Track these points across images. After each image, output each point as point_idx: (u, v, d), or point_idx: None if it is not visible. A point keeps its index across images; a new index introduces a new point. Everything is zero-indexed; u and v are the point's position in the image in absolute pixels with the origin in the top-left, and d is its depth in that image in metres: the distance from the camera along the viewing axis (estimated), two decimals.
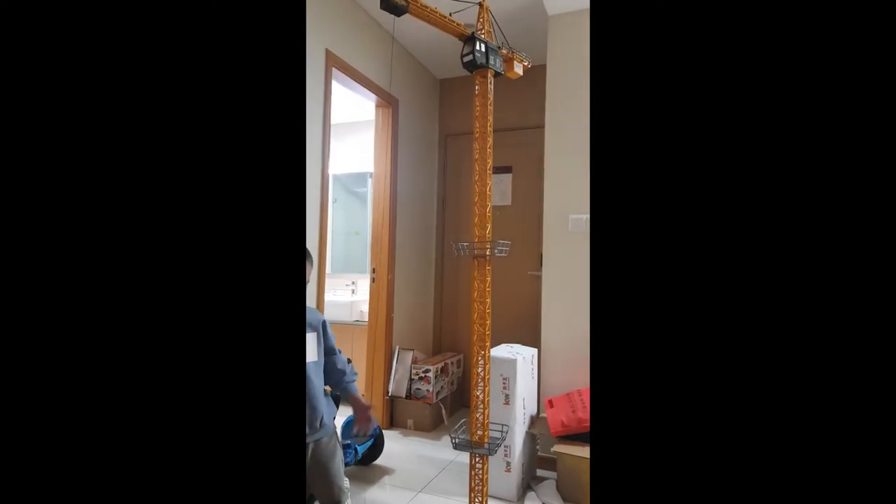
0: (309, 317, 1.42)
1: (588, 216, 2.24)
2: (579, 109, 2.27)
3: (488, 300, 1.42)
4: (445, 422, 2.84)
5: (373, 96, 2.67)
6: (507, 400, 1.99)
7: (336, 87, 2.40)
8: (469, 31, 1.40)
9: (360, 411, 1.55)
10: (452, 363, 3.01)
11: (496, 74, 1.47)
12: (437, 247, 3.35)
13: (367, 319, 2.88)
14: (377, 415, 2.55)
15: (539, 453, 2.23)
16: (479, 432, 1.42)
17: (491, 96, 1.44)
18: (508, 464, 1.98)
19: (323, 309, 2.25)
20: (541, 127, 2.41)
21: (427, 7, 1.32)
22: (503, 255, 1.43)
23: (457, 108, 3.33)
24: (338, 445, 1.48)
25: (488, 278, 1.43)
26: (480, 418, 1.42)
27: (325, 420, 1.44)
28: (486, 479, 1.45)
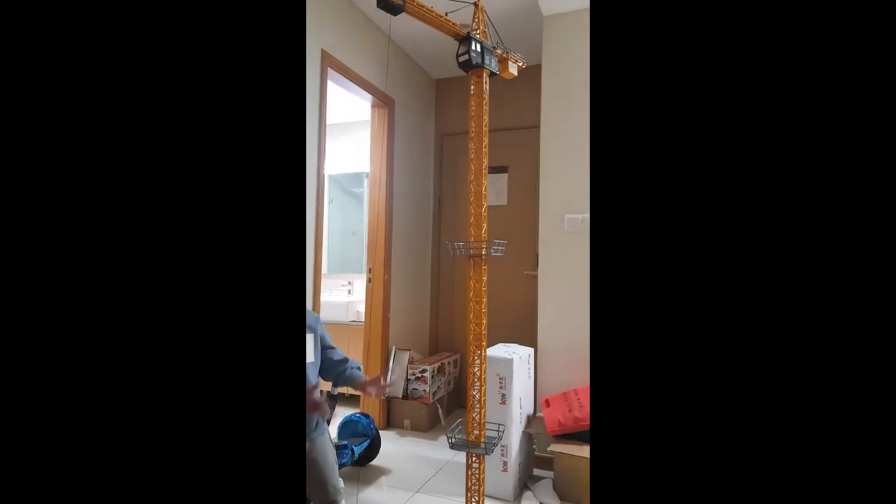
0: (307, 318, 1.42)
1: (583, 216, 2.25)
2: (574, 109, 2.28)
3: (484, 300, 1.42)
4: (442, 422, 2.84)
5: (369, 96, 2.66)
6: (504, 399, 1.99)
7: (332, 87, 2.40)
8: (465, 31, 1.41)
9: (371, 383, 1.51)
10: (449, 363, 3.01)
11: (491, 74, 1.47)
12: (433, 247, 3.34)
13: (363, 320, 2.87)
14: (374, 415, 2.54)
15: (536, 453, 2.23)
16: (475, 432, 1.42)
17: (486, 96, 1.45)
18: (505, 463, 1.98)
19: (319, 309, 2.25)
20: (537, 127, 2.41)
21: (423, 6, 1.32)
22: (499, 254, 1.43)
23: (453, 107, 3.33)
24: (332, 446, 1.48)
25: (484, 278, 1.43)
26: (477, 418, 1.42)
27: (319, 422, 1.44)
28: (483, 478, 1.45)
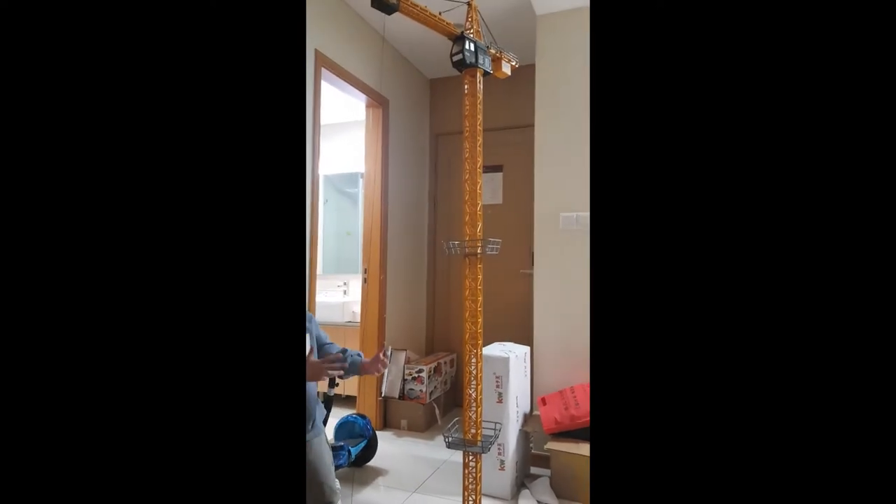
0: None
1: (578, 214, 2.25)
2: (568, 108, 2.28)
3: (480, 298, 1.42)
4: (439, 421, 2.84)
5: (363, 96, 2.66)
6: (501, 398, 1.99)
7: (326, 87, 2.39)
8: (458, 31, 1.41)
9: (372, 362, 1.49)
10: (445, 363, 3.01)
11: (485, 74, 1.47)
12: (428, 246, 3.34)
13: (359, 320, 2.87)
14: (371, 415, 2.54)
15: (533, 451, 2.23)
16: (472, 431, 1.42)
17: (480, 95, 1.45)
18: (502, 462, 1.98)
19: (315, 310, 2.24)
20: (531, 126, 2.42)
21: (417, 6, 1.32)
22: (494, 252, 1.43)
23: (447, 107, 3.33)
24: (328, 446, 1.48)
25: (480, 276, 1.43)
26: (473, 417, 1.42)
27: (316, 422, 1.44)
28: (480, 477, 1.45)
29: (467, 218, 1.43)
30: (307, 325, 1.46)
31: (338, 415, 2.40)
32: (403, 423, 2.75)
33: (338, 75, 2.36)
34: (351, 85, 2.49)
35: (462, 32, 1.41)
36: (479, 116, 1.44)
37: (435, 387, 2.85)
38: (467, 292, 1.43)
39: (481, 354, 1.44)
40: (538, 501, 1.93)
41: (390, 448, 2.48)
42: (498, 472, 1.98)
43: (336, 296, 3.63)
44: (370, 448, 2.26)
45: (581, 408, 1.99)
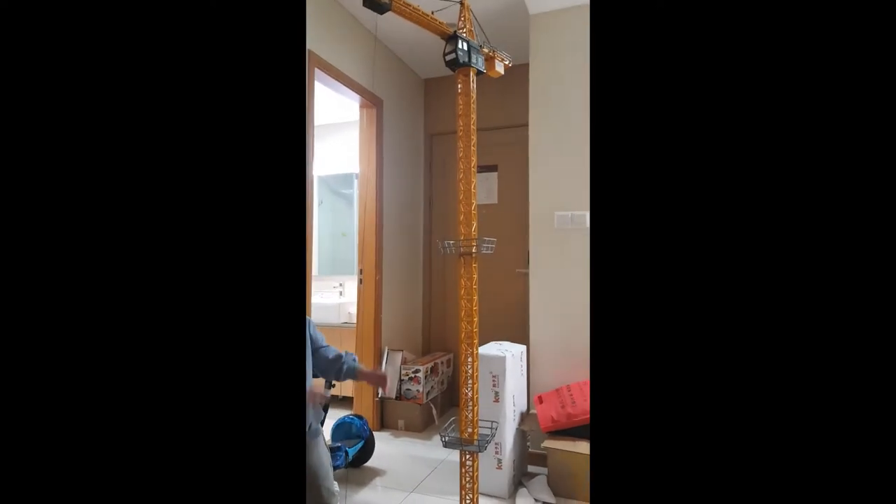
0: None
1: (573, 213, 2.26)
2: (562, 107, 2.29)
3: (475, 298, 1.43)
4: (436, 421, 2.84)
5: (357, 97, 2.66)
6: (497, 397, 1.99)
7: (319, 87, 2.39)
8: (451, 30, 1.41)
9: (372, 379, 1.51)
10: (442, 363, 3.01)
11: (478, 73, 1.47)
12: (424, 247, 3.34)
13: (355, 321, 2.86)
14: (367, 416, 2.54)
15: (530, 449, 2.24)
16: (468, 430, 1.42)
17: (474, 94, 1.45)
18: (499, 461, 1.98)
19: (310, 312, 2.24)
20: (526, 125, 2.42)
21: (409, 5, 1.32)
22: (489, 252, 1.44)
23: (442, 107, 3.33)
24: (326, 448, 1.47)
25: (475, 276, 1.43)
26: (470, 416, 1.42)
27: (313, 424, 1.43)
28: (477, 476, 1.45)
29: (462, 217, 1.43)
30: (308, 329, 1.46)
31: (335, 415, 2.40)
32: (400, 423, 2.75)
33: (331, 76, 2.35)
34: (344, 85, 2.48)
35: (455, 32, 1.41)
36: (473, 116, 1.44)
37: (432, 387, 2.85)
38: (462, 292, 1.43)
39: (477, 354, 1.44)
40: (535, 499, 1.93)
41: (387, 448, 2.47)
42: (495, 470, 1.98)
43: (332, 297, 3.62)
44: (367, 449, 2.26)
45: (578, 406, 1.99)
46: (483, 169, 3.11)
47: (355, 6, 2.43)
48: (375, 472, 2.21)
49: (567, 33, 2.29)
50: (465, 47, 1.41)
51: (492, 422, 1.59)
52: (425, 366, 2.78)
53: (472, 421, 1.42)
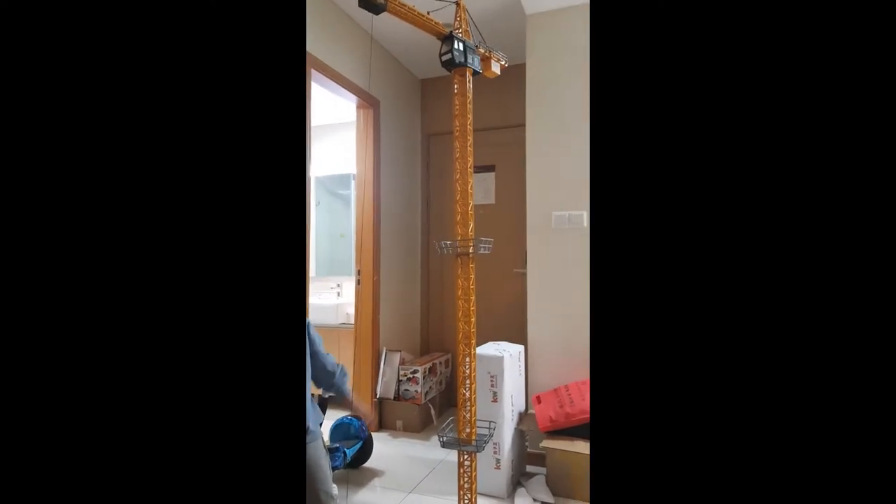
0: None
1: (570, 213, 2.26)
2: (559, 107, 2.29)
3: (473, 298, 1.43)
4: (434, 422, 2.84)
5: (353, 97, 2.65)
6: (495, 397, 1.99)
7: (315, 88, 2.38)
8: (447, 31, 1.41)
9: (354, 409, 1.53)
10: (440, 363, 3.01)
11: (475, 73, 1.47)
12: (422, 247, 3.34)
13: (353, 322, 2.86)
14: (366, 417, 2.53)
15: (528, 449, 2.24)
16: (466, 430, 1.42)
17: (470, 95, 1.45)
18: (498, 461, 1.98)
19: (308, 313, 2.23)
20: (523, 125, 2.42)
21: (405, 5, 1.32)
22: (486, 252, 1.44)
23: (438, 107, 3.33)
24: (324, 451, 1.47)
25: (472, 276, 1.43)
26: (467, 416, 1.42)
27: (312, 426, 1.43)
28: (475, 476, 1.45)
29: (459, 217, 1.43)
30: (307, 332, 1.46)
31: (333, 416, 2.40)
32: (399, 423, 2.75)
33: (327, 76, 2.35)
34: (341, 86, 2.48)
35: (451, 32, 1.41)
36: (469, 116, 1.44)
37: (430, 387, 2.84)
38: (460, 292, 1.43)
39: (474, 354, 1.44)
40: (534, 499, 1.94)
41: (386, 449, 2.47)
42: (494, 470, 1.98)
43: (330, 298, 3.62)
44: (366, 449, 2.26)
45: (576, 405, 1.99)
46: (480, 169, 3.11)
47: (351, 6, 2.43)
48: (374, 473, 2.21)
49: (564, 33, 2.29)
50: (461, 47, 1.41)
51: (490, 422, 1.59)
52: (423, 366, 2.78)
53: (469, 421, 1.42)
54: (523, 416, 2.22)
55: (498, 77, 1.59)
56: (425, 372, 2.79)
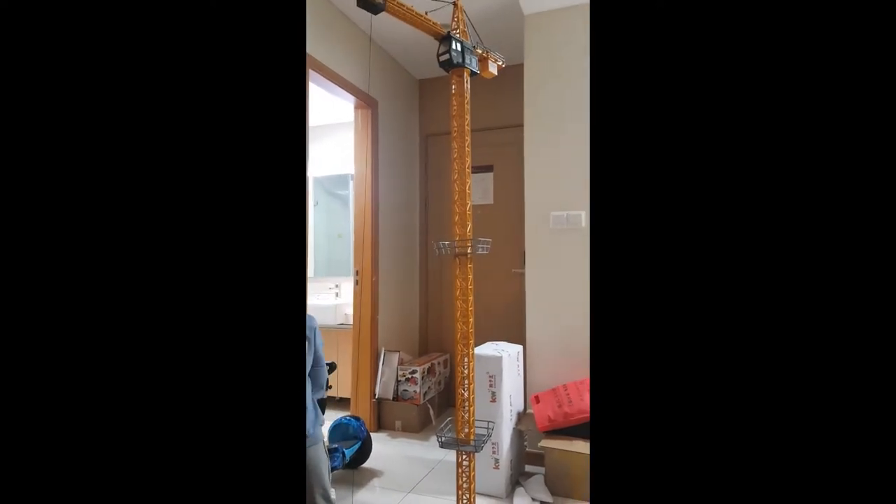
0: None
1: (569, 213, 2.26)
2: (557, 107, 2.29)
3: (471, 298, 1.43)
4: (433, 422, 2.84)
5: (351, 98, 2.65)
6: (494, 397, 1.99)
7: (313, 88, 2.38)
8: (445, 31, 1.41)
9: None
10: (439, 363, 3.01)
11: (472, 74, 1.48)
12: (420, 247, 3.34)
13: (351, 322, 2.86)
14: (365, 417, 2.53)
15: (527, 449, 2.24)
16: (465, 430, 1.42)
17: (468, 95, 1.45)
18: (496, 461, 1.98)
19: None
20: (521, 126, 2.42)
21: (403, 5, 1.32)
22: (485, 252, 1.44)
23: (437, 108, 3.33)
24: (325, 455, 1.47)
25: (470, 276, 1.43)
26: (466, 416, 1.42)
27: (311, 429, 1.43)
28: (474, 476, 1.45)
29: (457, 218, 1.44)
30: (313, 336, 1.46)
31: (332, 417, 2.40)
32: (397, 424, 2.75)
33: (325, 76, 2.35)
34: (339, 86, 2.48)
35: (448, 32, 1.41)
36: (467, 116, 1.44)
37: (429, 387, 2.85)
38: (458, 292, 1.43)
39: (473, 354, 1.44)
40: (533, 499, 1.94)
41: (385, 449, 2.47)
42: (492, 470, 1.99)
43: (328, 298, 3.62)
44: (365, 450, 2.26)
45: (574, 405, 2.00)
46: (478, 169, 3.11)
47: (349, 7, 2.42)
48: (373, 473, 2.21)
49: (562, 33, 2.30)
50: (459, 48, 1.41)
51: (488, 422, 1.59)
52: (422, 366, 2.78)
53: (468, 421, 1.42)
54: (522, 416, 2.22)
55: (496, 77, 1.59)
56: (424, 372, 2.79)
